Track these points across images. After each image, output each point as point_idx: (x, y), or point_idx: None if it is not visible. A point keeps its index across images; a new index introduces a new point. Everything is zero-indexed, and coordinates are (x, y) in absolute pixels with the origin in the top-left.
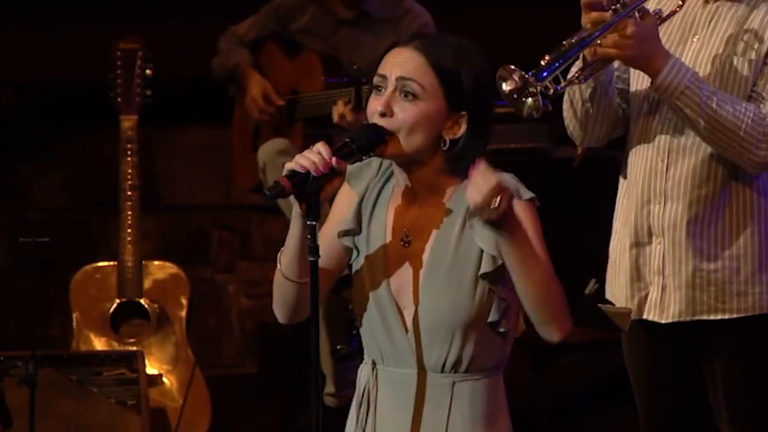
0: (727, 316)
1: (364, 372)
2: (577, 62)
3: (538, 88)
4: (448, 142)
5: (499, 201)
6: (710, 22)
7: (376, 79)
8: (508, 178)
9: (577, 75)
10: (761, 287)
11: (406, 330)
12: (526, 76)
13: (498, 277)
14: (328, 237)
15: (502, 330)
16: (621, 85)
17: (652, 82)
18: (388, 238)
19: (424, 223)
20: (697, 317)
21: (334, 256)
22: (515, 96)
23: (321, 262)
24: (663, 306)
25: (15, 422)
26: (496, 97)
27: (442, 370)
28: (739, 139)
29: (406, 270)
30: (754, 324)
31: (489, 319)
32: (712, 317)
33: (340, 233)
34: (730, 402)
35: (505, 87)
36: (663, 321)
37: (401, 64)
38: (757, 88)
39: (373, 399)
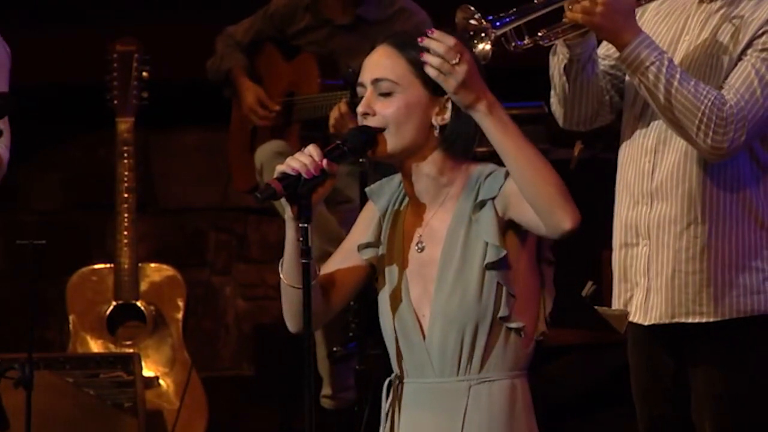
0: (704, 320)
1: (387, 386)
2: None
3: (492, 35)
4: (438, 127)
5: (459, 58)
6: (701, 22)
7: (359, 90)
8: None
9: (541, 35)
10: (738, 290)
11: (424, 337)
12: (484, 21)
13: (504, 268)
14: (347, 250)
15: (514, 326)
16: (615, 72)
17: (619, 55)
18: (405, 248)
19: (435, 227)
20: (675, 320)
21: (352, 269)
22: (470, 34)
23: (338, 275)
24: (647, 308)
25: (11, 425)
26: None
27: (458, 373)
28: (696, 120)
29: (423, 277)
30: (733, 328)
31: (499, 314)
32: (690, 320)
33: (360, 246)
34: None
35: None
36: (646, 323)
37: (374, 66)
38: (727, 79)
39: (397, 413)
